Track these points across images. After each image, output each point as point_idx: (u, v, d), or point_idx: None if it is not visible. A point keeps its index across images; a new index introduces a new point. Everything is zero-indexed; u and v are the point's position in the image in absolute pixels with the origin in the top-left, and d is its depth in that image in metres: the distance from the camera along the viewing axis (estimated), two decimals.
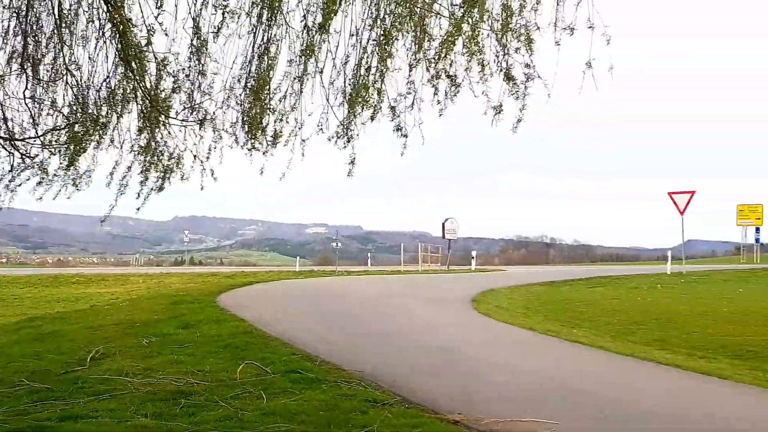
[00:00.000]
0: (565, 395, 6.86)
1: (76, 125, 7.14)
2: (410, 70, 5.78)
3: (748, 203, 42.77)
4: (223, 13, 6.08)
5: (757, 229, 42.25)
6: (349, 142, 6.16)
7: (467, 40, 5.36)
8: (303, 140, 6.41)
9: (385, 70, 5.76)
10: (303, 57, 5.94)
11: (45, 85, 7.12)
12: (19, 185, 7.35)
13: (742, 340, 10.37)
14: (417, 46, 5.66)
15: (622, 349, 9.90)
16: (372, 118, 5.99)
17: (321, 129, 6.28)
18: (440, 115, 5.68)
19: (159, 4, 6.08)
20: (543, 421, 5.46)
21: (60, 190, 7.47)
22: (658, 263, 39.31)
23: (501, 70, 5.40)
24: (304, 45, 5.87)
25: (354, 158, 6.17)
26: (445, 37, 5.45)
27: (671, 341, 10.58)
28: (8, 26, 6.79)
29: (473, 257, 40.89)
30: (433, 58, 5.60)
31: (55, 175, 7.36)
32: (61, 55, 6.79)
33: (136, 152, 7.30)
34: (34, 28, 6.80)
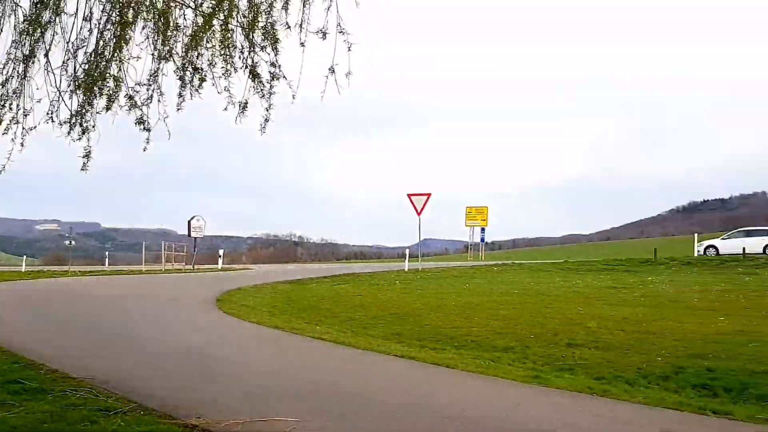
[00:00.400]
0: (307, 391, 6.97)
1: None
2: (154, 61, 5.49)
3: (476, 205, 46.98)
4: None
5: (483, 230, 46.57)
6: (84, 133, 5.69)
7: (212, 34, 5.21)
8: (25, 129, 5.79)
9: (122, 57, 5.40)
10: (29, 37, 5.37)
11: None
12: None
13: (467, 331, 11.33)
14: (162, 36, 5.40)
15: (363, 343, 10.31)
16: (107, 108, 5.58)
17: (51, 118, 5.73)
18: (179, 109, 5.47)
19: None
20: (283, 419, 5.49)
21: None
22: (398, 261, 41.61)
23: (246, 67, 5.31)
24: (31, 23, 5.31)
25: (89, 151, 5.71)
26: (194, 30, 5.25)
27: (407, 334, 11.26)
28: None
29: (220, 256, 40.28)
30: (181, 50, 5.38)
31: None
32: None
33: None
34: None
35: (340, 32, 4.96)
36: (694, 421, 6.04)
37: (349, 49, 4.95)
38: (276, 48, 5.25)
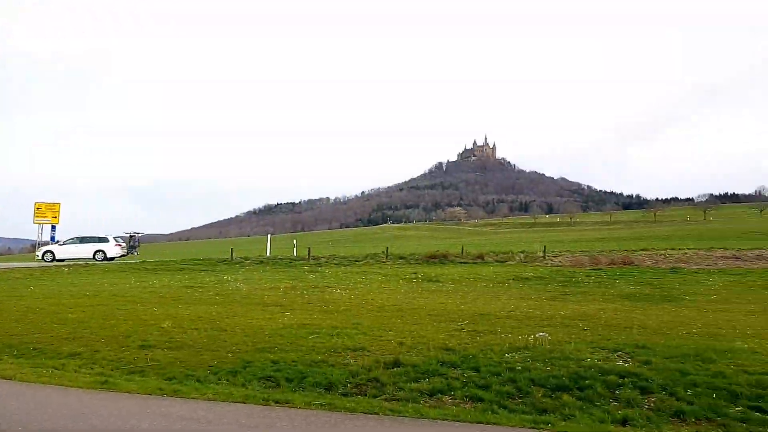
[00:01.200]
0: None
1: None
2: None
3: (47, 201, 43.16)
4: None
5: (53, 227, 43.01)
6: None
7: None
8: None
9: None
10: None
11: None
12: None
13: (29, 338, 10.38)
14: None
15: None
16: None
17: None
18: None
19: None
20: None
21: None
22: None
23: None
24: None
25: None
26: None
27: None
28: None
29: None
30: None
31: None
32: None
33: None
34: None
35: None
36: (258, 412, 6.41)
37: None
38: None
